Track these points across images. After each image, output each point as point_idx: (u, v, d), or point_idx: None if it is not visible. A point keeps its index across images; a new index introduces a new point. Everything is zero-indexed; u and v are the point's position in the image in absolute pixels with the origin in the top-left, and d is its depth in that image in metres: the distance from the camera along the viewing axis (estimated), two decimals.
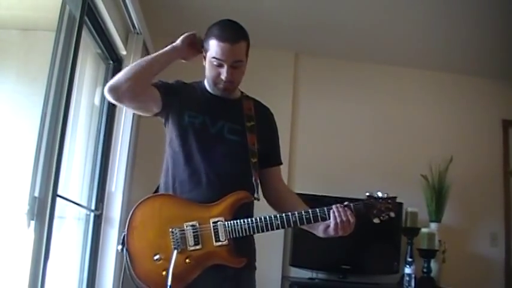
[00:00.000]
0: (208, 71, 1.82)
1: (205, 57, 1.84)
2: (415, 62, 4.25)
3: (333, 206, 1.72)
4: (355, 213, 1.72)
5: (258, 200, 1.84)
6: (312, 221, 1.71)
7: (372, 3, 3.35)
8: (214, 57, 1.76)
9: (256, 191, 1.82)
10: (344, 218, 1.69)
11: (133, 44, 3.37)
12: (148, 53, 3.63)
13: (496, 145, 4.32)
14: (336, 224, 1.70)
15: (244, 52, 1.81)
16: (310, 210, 1.72)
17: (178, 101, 1.83)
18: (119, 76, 1.72)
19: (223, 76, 1.78)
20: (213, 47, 1.76)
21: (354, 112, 4.21)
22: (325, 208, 1.72)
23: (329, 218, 1.71)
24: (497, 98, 4.39)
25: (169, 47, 1.84)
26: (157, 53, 1.83)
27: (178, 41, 1.85)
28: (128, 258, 1.67)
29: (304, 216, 1.71)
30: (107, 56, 3.30)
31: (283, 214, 1.71)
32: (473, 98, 4.38)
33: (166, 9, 3.57)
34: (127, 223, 1.71)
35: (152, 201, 1.75)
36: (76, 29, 2.32)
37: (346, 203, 1.74)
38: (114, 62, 3.39)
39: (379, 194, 1.78)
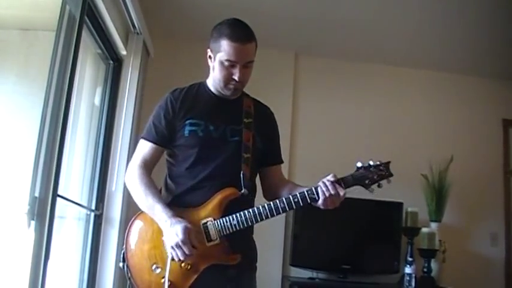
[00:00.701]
0: (219, 72, 1.78)
1: (211, 58, 1.81)
2: (415, 62, 4.25)
3: (320, 182, 1.70)
4: (344, 186, 1.70)
5: (245, 195, 1.77)
6: (301, 203, 1.69)
7: (372, 3, 3.35)
8: (227, 59, 1.74)
9: (243, 186, 1.77)
10: (333, 192, 1.68)
11: (133, 44, 3.37)
12: (148, 54, 3.64)
13: (496, 145, 4.32)
14: (324, 199, 1.68)
15: (254, 52, 1.80)
16: (298, 193, 1.70)
17: (173, 124, 1.82)
18: (131, 188, 1.81)
19: (235, 76, 1.76)
20: (226, 47, 1.73)
21: (354, 112, 4.21)
22: (312, 188, 1.70)
23: (319, 198, 1.69)
24: (498, 97, 4.39)
25: (165, 221, 1.67)
26: (154, 213, 1.72)
27: (173, 232, 1.63)
28: (129, 273, 1.72)
29: (292, 201, 1.69)
30: (107, 56, 3.30)
31: (271, 202, 1.70)
32: (473, 98, 4.38)
33: (166, 9, 3.57)
34: (124, 239, 1.77)
35: (145, 215, 1.77)
36: (76, 28, 2.32)
37: (332, 179, 1.70)
38: (114, 62, 3.39)
39: (371, 163, 1.77)
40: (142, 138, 1.86)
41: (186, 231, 1.62)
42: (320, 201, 1.69)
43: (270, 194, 1.92)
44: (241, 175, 1.78)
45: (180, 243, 1.61)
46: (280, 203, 1.69)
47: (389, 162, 1.79)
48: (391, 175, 1.78)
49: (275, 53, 4.06)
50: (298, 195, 1.70)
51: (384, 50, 4.08)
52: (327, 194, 1.68)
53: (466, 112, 4.34)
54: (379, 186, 1.76)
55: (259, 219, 1.70)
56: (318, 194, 1.69)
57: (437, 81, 4.37)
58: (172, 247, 1.64)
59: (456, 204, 4.03)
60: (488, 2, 3.21)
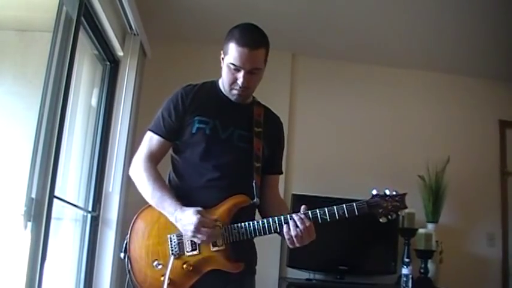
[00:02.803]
0: (225, 75, 1.79)
1: (223, 59, 1.81)
2: (412, 62, 4.26)
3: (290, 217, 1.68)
4: (357, 213, 1.68)
5: (257, 204, 1.80)
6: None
7: (370, 3, 3.35)
8: (231, 63, 1.73)
9: (256, 195, 1.78)
10: (301, 227, 1.65)
11: (130, 45, 3.37)
12: (145, 55, 3.64)
13: (493, 146, 4.33)
14: (289, 238, 1.66)
15: (262, 59, 1.79)
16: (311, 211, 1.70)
17: (183, 118, 1.81)
18: (138, 181, 1.80)
19: (239, 81, 1.75)
20: (232, 51, 1.72)
21: (351, 113, 4.21)
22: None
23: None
24: (495, 98, 4.40)
25: (172, 214, 1.68)
26: (163, 207, 1.71)
27: (187, 218, 1.64)
28: (129, 264, 1.71)
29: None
30: (103, 57, 3.30)
31: (282, 216, 1.69)
32: (470, 99, 4.39)
33: (164, 10, 3.57)
34: (129, 231, 1.76)
35: (152, 209, 1.76)
36: (73, 29, 2.31)
37: (296, 214, 1.69)
38: (111, 63, 3.39)
39: (387, 192, 1.72)
40: (150, 130, 1.84)
41: (199, 213, 1.62)
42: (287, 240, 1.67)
43: (260, 203, 1.88)
44: (254, 184, 1.79)
45: (198, 226, 1.60)
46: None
47: (405, 194, 1.73)
48: (406, 207, 1.72)
49: (272, 53, 4.01)
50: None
51: (381, 51, 4.09)
52: (293, 234, 1.66)
53: (463, 113, 4.35)
54: (390, 217, 1.71)
55: (267, 232, 1.69)
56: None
57: (434, 82, 4.38)
58: (193, 232, 1.61)
59: (453, 205, 4.04)
60: (485, 2, 3.22)
